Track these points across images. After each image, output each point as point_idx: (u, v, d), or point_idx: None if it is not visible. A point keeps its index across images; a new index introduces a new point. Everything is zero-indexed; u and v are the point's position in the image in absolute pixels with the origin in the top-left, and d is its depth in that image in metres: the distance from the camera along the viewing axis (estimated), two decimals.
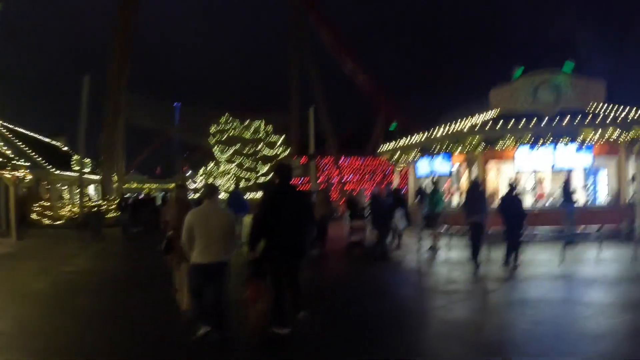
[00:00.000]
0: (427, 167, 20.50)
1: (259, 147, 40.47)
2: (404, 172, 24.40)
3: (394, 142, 22.56)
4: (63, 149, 40.94)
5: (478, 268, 10.80)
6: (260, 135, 40.71)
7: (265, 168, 40.84)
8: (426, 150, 19.45)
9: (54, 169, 30.68)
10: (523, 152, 17.00)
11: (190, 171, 69.67)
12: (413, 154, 20.51)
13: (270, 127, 41.43)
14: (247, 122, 41.08)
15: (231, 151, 40.32)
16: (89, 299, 8.89)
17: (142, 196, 30.09)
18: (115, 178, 48.81)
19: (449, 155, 18.77)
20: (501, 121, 16.77)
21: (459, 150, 17.54)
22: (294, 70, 38.98)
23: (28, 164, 21.17)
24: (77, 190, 37.10)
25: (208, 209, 5.89)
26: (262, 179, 40.76)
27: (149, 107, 42.97)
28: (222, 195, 39.64)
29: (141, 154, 74.01)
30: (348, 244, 14.84)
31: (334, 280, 11.53)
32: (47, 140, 39.44)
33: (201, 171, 50.16)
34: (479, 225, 11.25)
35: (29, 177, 21.21)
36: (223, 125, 41.23)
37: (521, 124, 16.28)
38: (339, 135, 38.21)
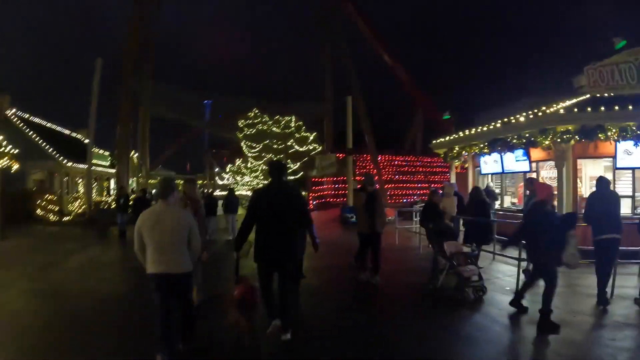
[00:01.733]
0: (495, 165, 16.27)
1: (289, 142, 36.32)
2: (457, 169, 19.99)
3: (452, 134, 18.37)
4: (85, 141, 37.67)
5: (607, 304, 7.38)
6: (292, 129, 36.63)
7: (297, 165, 37.11)
8: (496, 143, 15.13)
9: (66, 161, 27.19)
10: (625, 146, 12.73)
11: (217, 168, 66.42)
12: (480, 146, 16.19)
13: (301, 123, 37.25)
14: (277, 117, 36.89)
15: (260, 147, 36.33)
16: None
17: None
18: (142, 172, 46.38)
19: (525, 149, 14.52)
20: (601, 107, 12.57)
21: (545, 140, 13.12)
22: (327, 59, 34.89)
23: (16, 151, 17.48)
24: (95, 184, 34.58)
25: (159, 210, 4.93)
26: (292, 177, 36.96)
27: (176, 98, 39.08)
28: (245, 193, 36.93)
29: (169, 149, 71.84)
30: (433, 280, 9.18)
31: None
32: (67, 132, 36.63)
33: (228, 168, 46.94)
34: (613, 244, 7.65)
35: (16, 166, 17.63)
36: (252, 120, 37.29)
37: (625, 110, 12.20)
38: (375, 131, 33.69)
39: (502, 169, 16.05)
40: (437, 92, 43.17)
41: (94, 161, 33.41)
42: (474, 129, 16.46)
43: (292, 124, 36.89)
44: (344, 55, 33.22)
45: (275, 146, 36.41)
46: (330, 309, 7.86)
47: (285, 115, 37.03)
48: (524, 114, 13.95)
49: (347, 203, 23.72)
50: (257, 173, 38.61)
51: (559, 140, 12.97)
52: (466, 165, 19.18)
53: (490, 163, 16.71)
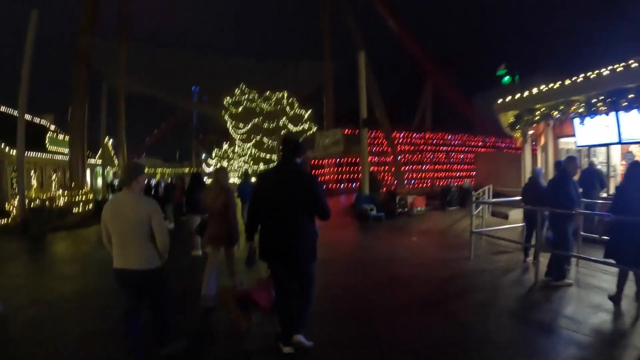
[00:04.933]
0: (604, 132, 10.17)
1: (282, 121, 29.93)
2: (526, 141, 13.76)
3: (529, 90, 12.00)
4: (50, 127, 31.28)
5: None
6: (284, 106, 30.25)
7: None
8: (622, 95, 9.02)
9: (8, 149, 20.55)
10: None
11: (204, 154, 59.79)
12: (584, 104, 10.02)
13: (293, 99, 30.80)
14: (266, 93, 30.47)
15: (248, 126, 30.02)
16: None
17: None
18: (116, 162, 39.80)
19: None
20: None
21: None
22: (327, 11, 28.15)
23: None
24: (53, 175, 28.08)
25: (121, 200, 4.27)
26: None
27: (155, 65, 32.29)
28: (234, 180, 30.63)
29: (153, 135, 65.51)
30: None
31: None
32: (28, 117, 29.41)
33: (214, 153, 40.76)
34: None
35: None
36: (238, 97, 30.84)
37: None
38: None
39: (619, 137, 9.91)
40: (453, 62, 36.64)
41: (55, 148, 27.38)
42: (581, 76, 10.10)
43: (284, 101, 30.45)
44: (346, 12, 26.35)
45: (265, 125, 29.93)
46: None
47: (279, 84, 30.47)
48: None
49: (362, 190, 16.91)
50: (246, 157, 32.49)
51: None
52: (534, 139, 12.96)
53: (594, 130, 10.55)
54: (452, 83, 32.51)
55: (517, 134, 13.91)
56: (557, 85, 11.04)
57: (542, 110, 11.77)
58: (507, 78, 16.51)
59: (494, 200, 12.66)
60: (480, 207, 12.98)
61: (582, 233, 8.36)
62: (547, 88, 11.38)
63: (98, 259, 10.35)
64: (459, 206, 18.93)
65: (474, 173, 27.86)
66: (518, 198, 12.24)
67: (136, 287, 4.28)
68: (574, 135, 11.61)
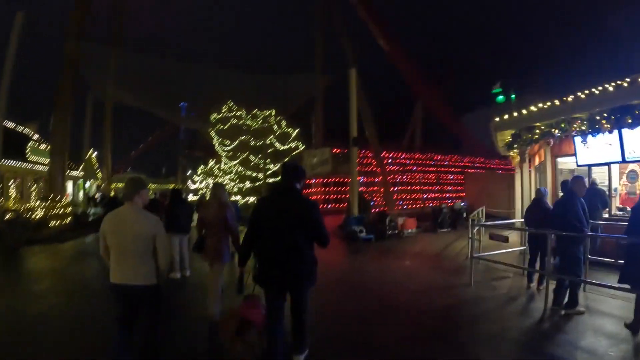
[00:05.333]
0: (606, 150, 9.73)
1: (269, 139, 29.23)
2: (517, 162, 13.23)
3: (527, 108, 11.50)
4: (32, 137, 30.36)
5: None
6: (272, 124, 29.59)
7: (277, 166, 29.85)
8: (628, 112, 8.55)
9: None
10: None
11: (189, 171, 58.69)
12: (587, 122, 9.63)
13: (281, 117, 30.23)
14: (254, 111, 29.81)
15: (235, 144, 29.28)
16: None
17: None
18: (99, 175, 38.74)
19: None
20: None
21: None
22: (319, 22, 27.58)
23: None
24: (33, 186, 27.11)
25: (123, 213, 4.21)
26: (272, 179, 30.18)
27: (144, 78, 31.56)
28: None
29: (139, 149, 64.32)
30: None
31: None
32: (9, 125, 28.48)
33: (200, 170, 39.86)
34: None
35: None
36: (225, 113, 30.12)
37: None
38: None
39: (623, 156, 9.46)
40: (444, 82, 36.32)
41: (37, 158, 26.44)
42: (586, 91, 9.62)
43: (272, 119, 29.80)
44: (338, 26, 25.82)
45: (252, 143, 29.19)
46: None
47: (268, 97, 30.04)
48: None
49: (350, 211, 16.13)
50: (232, 175, 31.66)
51: None
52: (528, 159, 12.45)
53: (596, 148, 10.08)
54: (442, 102, 32.10)
55: (514, 154, 13.40)
56: (558, 102, 10.55)
57: (542, 128, 11.24)
58: (501, 97, 15.93)
59: (497, 222, 11.96)
60: (476, 230, 12.37)
61: (588, 256, 7.84)
62: (547, 105, 10.88)
63: (68, 278, 9.68)
64: (450, 228, 18.27)
65: (464, 194, 27.43)
66: (516, 220, 11.66)
67: (131, 302, 4.20)
68: (573, 155, 11.09)
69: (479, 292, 7.98)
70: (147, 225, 4.16)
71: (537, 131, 11.42)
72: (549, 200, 8.87)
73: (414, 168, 26.86)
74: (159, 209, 12.28)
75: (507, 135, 12.80)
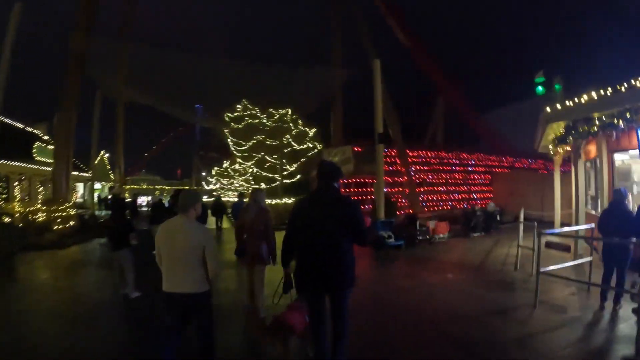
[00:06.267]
0: None
1: (285, 139, 27.84)
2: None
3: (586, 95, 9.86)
4: (42, 137, 29.66)
5: None
6: (287, 123, 28.19)
7: (294, 167, 28.95)
8: None
9: None
10: None
11: (204, 172, 57.68)
12: None
13: (297, 116, 28.82)
14: (269, 110, 28.47)
15: (249, 144, 27.96)
16: None
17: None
18: (112, 176, 37.91)
19: None
20: None
21: None
22: (337, 30, 26.03)
23: None
24: (40, 188, 26.04)
25: (176, 224, 4.29)
26: (289, 180, 29.27)
27: (155, 74, 30.37)
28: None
29: (153, 150, 63.43)
30: None
31: None
32: (19, 126, 27.75)
33: (214, 171, 38.86)
34: None
35: None
36: (241, 113, 28.81)
37: None
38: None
39: None
40: (467, 77, 34.99)
41: (42, 159, 25.34)
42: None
43: (288, 117, 28.39)
44: (357, 19, 24.23)
45: (268, 143, 27.82)
46: None
47: (286, 92, 28.69)
48: None
49: (377, 214, 14.52)
50: (247, 176, 30.44)
51: None
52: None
53: None
54: (464, 99, 30.71)
55: (560, 150, 11.75)
56: (624, 88, 8.92)
57: (604, 119, 9.61)
58: (541, 88, 14.22)
59: (564, 229, 10.09)
60: (521, 236, 10.77)
61: None
62: (610, 92, 9.23)
63: (57, 293, 8.27)
64: (483, 232, 16.65)
65: (491, 195, 25.73)
66: (580, 227, 9.98)
67: (183, 310, 4.26)
68: (637, 148, 9.43)
69: (547, 316, 6.45)
70: (198, 237, 4.25)
71: (598, 122, 9.78)
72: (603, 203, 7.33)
73: (440, 167, 25.07)
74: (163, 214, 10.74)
75: (556, 129, 11.18)
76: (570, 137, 10.71)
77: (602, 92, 9.48)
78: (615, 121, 9.40)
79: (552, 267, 7.50)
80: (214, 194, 41.41)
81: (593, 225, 8.10)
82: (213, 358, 4.37)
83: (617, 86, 9.16)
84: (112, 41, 26.85)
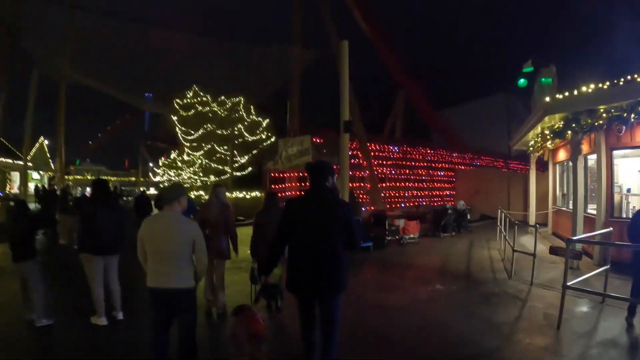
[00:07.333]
0: None
1: (237, 129, 25.97)
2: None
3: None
4: None
5: None
6: (241, 113, 26.34)
7: (245, 158, 27.29)
8: None
9: None
10: None
11: (151, 163, 54.59)
12: None
13: (250, 106, 27.15)
14: (221, 98, 26.72)
15: (199, 133, 25.94)
16: None
17: None
18: (52, 165, 35.40)
19: None
20: None
21: None
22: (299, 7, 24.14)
23: None
24: None
25: (162, 218, 4.21)
26: (239, 173, 27.54)
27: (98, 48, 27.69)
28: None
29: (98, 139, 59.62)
30: None
31: None
32: None
33: (161, 162, 36.60)
34: None
35: None
36: (191, 100, 26.75)
37: None
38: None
39: None
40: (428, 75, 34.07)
41: None
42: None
43: (241, 106, 26.56)
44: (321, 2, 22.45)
45: (218, 132, 26.12)
46: None
47: (242, 73, 26.99)
48: None
49: None
50: (195, 167, 28.43)
51: None
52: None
53: None
54: (424, 94, 29.93)
55: (549, 146, 10.53)
56: (638, 77, 7.69)
57: (612, 112, 8.38)
58: (522, 80, 12.95)
59: (595, 233, 8.56)
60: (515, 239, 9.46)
61: None
62: (622, 83, 8.00)
63: None
64: (454, 232, 15.35)
65: (454, 192, 24.69)
66: (599, 232, 8.68)
67: (168, 306, 4.11)
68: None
69: (576, 341, 5.10)
70: (188, 232, 4.13)
71: (604, 115, 8.53)
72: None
73: (403, 163, 23.64)
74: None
75: (549, 122, 9.91)
76: (569, 131, 9.43)
77: (615, 81, 8.24)
78: (625, 115, 8.19)
79: (576, 280, 6.13)
80: (161, 186, 39.38)
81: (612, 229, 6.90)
82: (196, 354, 4.20)
83: (629, 76, 7.94)
84: (53, 7, 23.91)
